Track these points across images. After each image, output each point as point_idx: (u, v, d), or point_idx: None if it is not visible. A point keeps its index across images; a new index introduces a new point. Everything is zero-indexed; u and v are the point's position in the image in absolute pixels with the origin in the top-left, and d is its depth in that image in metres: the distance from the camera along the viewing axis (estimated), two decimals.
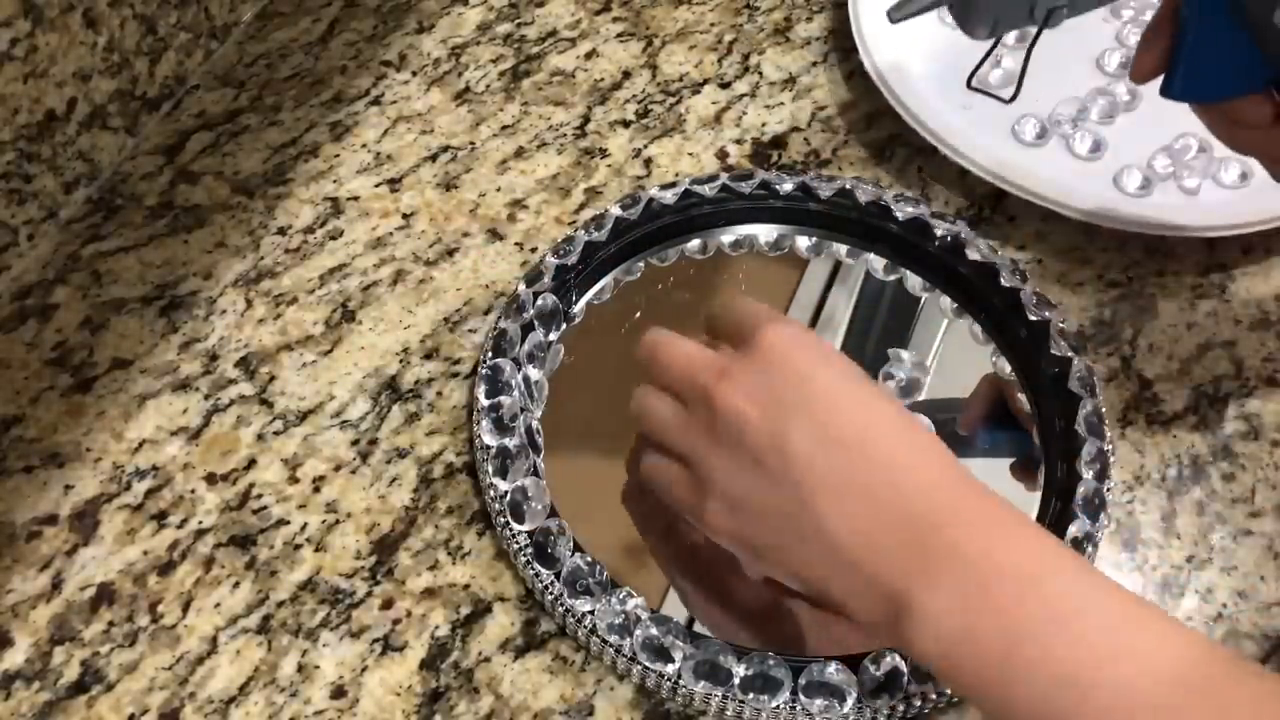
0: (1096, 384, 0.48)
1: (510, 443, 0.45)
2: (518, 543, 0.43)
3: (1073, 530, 0.43)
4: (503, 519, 0.44)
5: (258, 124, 0.61)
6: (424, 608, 0.44)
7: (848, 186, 0.54)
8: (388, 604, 0.44)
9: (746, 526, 0.39)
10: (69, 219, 0.56)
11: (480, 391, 0.47)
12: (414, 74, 0.64)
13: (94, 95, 0.56)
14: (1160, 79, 0.43)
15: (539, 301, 0.50)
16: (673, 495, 0.42)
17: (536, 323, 0.49)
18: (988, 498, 0.37)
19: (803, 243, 0.55)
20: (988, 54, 0.44)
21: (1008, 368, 0.50)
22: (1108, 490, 0.45)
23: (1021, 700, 0.33)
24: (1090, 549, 0.43)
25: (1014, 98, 0.45)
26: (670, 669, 0.41)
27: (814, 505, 0.37)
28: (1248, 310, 0.53)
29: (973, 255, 0.52)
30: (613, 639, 0.41)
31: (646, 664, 0.41)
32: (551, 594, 0.42)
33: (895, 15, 0.44)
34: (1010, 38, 0.61)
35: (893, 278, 0.54)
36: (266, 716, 0.42)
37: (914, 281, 0.53)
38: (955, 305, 0.52)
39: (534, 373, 0.48)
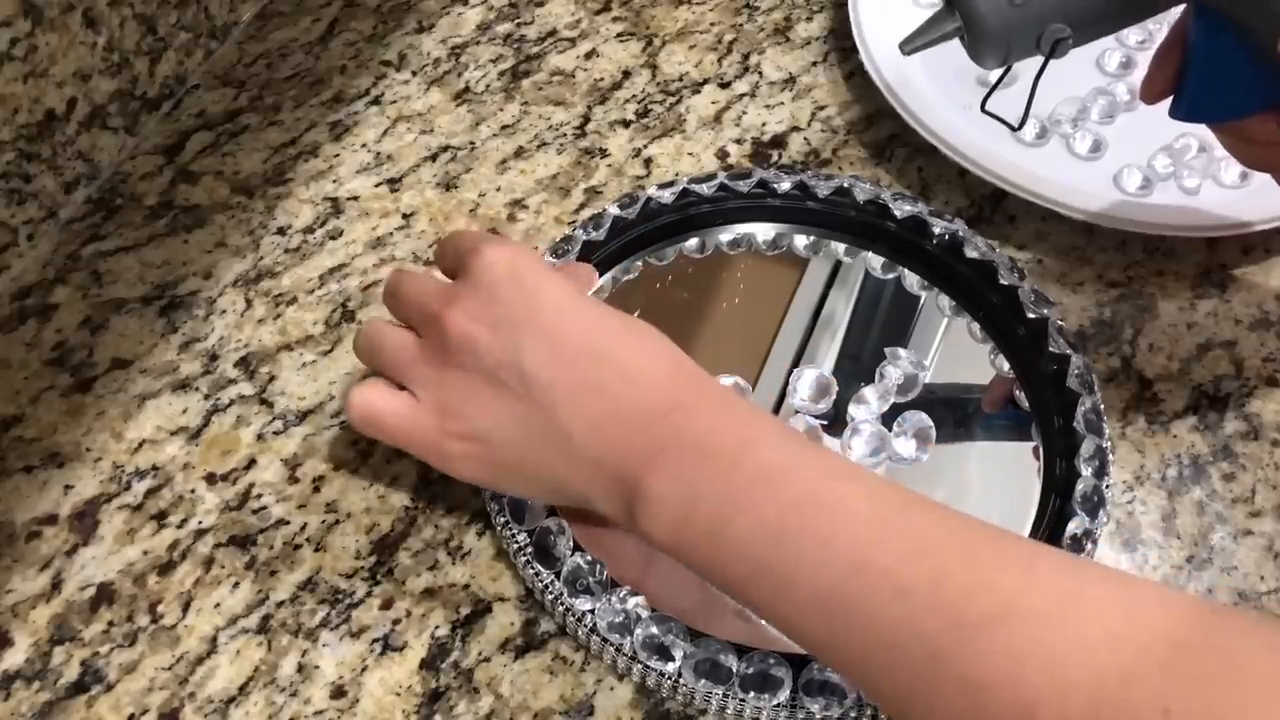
0: (1095, 381, 0.48)
1: None
2: (518, 542, 0.43)
3: (1072, 527, 0.43)
4: (502, 518, 0.44)
5: (258, 124, 0.61)
6: (424, 608, 0.44)
7: (846, 185, 0.54)
8: (388, 604, 0.44)
9: (492, 454, 0.40)
10: (69, 219, 0.56)
11: None
12: (414, 74, 0.64)
13: (94, 95, 0.56)
14: (1169, 100, 0.44)
15: None
16: (404, 434, 0.42)
17: None
18: (713, 387, 0.39)
19: (801, 241, 0.55)
20: (1000, 78, 0.45)
21: (1006, 365, 0.50)
22: (1106, 487, 0.45)
23: (743, 562, 0.35)
24: (1090, 546, 0.43)
25: (1021, 124, 0.46)
26: (671, 668, 0.41)
27: (554, 411, 0.38)
28: (1248, 310, 0.53)
29: (971, 253, 0.52)
30: (613, 638, 0.41)
31: (647, 663, 0.41)
32: (551, 593, 0.42)
33: (906, 48, 0.45)
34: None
35: (891, 276, 0.54)
36: (266, 716, 0.42)
37: (912, 280, 0.53)
38: (954, 303, 0.52)
39: None
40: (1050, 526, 0.44)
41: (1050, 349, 0.48)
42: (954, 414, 0.50)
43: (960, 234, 0.52)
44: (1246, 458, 0.49)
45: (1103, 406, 0.47)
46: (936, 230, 0.52)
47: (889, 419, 0.48)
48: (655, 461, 0.37)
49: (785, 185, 0.54)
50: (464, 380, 0.40)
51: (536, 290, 0.40)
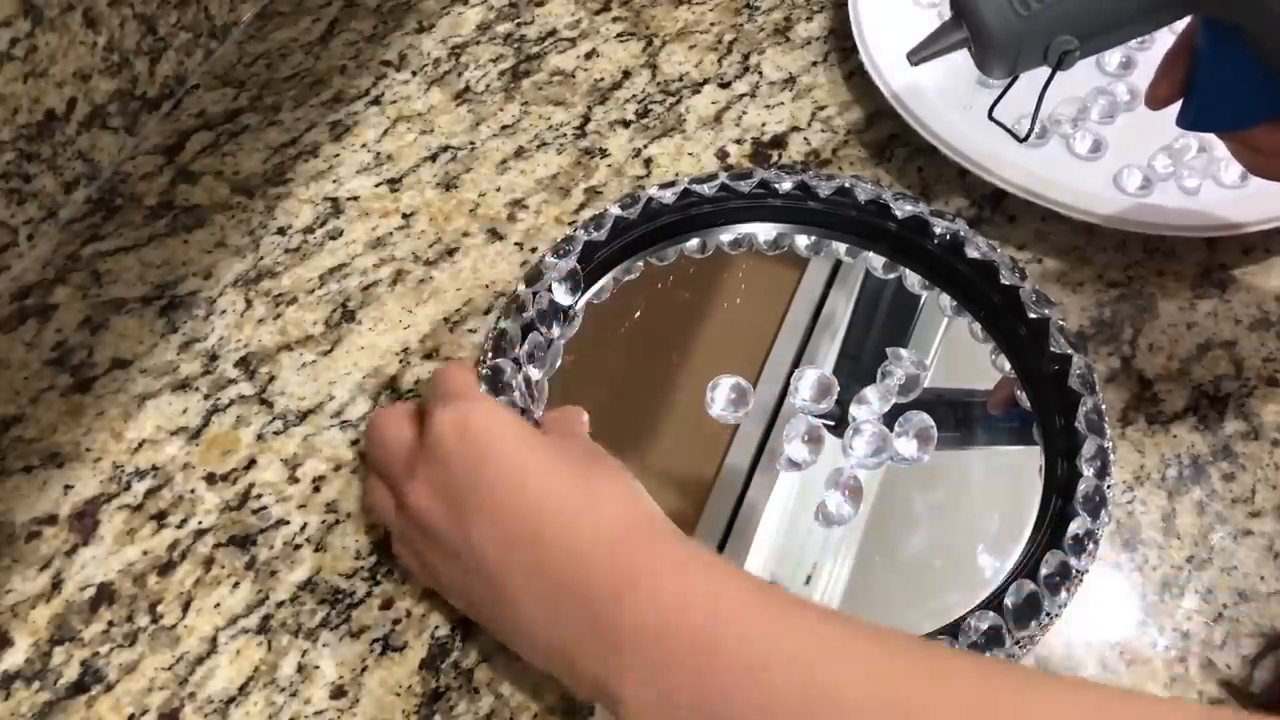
0: (1096, 381, 0.48)
1: None
2: None
3: (1074, 528, 0.43)
4: None
5: (258, 124, 0.61)
6: (424, 608, 0.44)
7: (847, 185, 0.54)
8: (388, 604, 0.44)
9: (471, 610, 0.41)
10: (69, 219, 0.56)
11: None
12: (414, 74, 0.64)
13: (94, 95, 0.56)
14: (1175, 109, 0.44)
15: (539, 301, 0.49)
16: (426, 580, 0.42)
17: (537, 322, 0.49)
18: (665, 543, 0.36)
19: (802, 241, 0.55)
20: (1007, 87, 0.45)
21: (1007, 365, 0.50)
22: (1108, 487, 0.45)
23: None
24: (1091, 546, 0.43)
25: (1027, 136, 0.46)
26: None
27: (513, 601, 0.37)
28: (1248, 310, 0.53)
29: (971, 253, 0.52)
30: None
31: None
32: None
33: (914, 58, 0.44)
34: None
35: (892, 276, 0.54)
36: (266, 716, 0.42)
37: (913, 280, 0.53)
38: (954, 303, 0.52)
39: (534, 373, 0.48)
40: (1052, 526, 0.44)
41: (1051, 349, 0.48)
42: (955, 415, 0.50)
43: (961, 234, 0.52)
44: (1246, 458, 0.49)
45: (1104, 407, 0.47)
46: (937, 230, 0.52)
47: (890, 419, 0.48)
48: (624, 662, 0.34)
49: (786, 185, 0.54)
50: (434, 551, 0.40)
51: (484, 460, 0.38)
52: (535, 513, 0.37)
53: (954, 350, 0.52)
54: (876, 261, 0.54)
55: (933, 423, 0.48)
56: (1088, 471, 0.45)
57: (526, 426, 0.40)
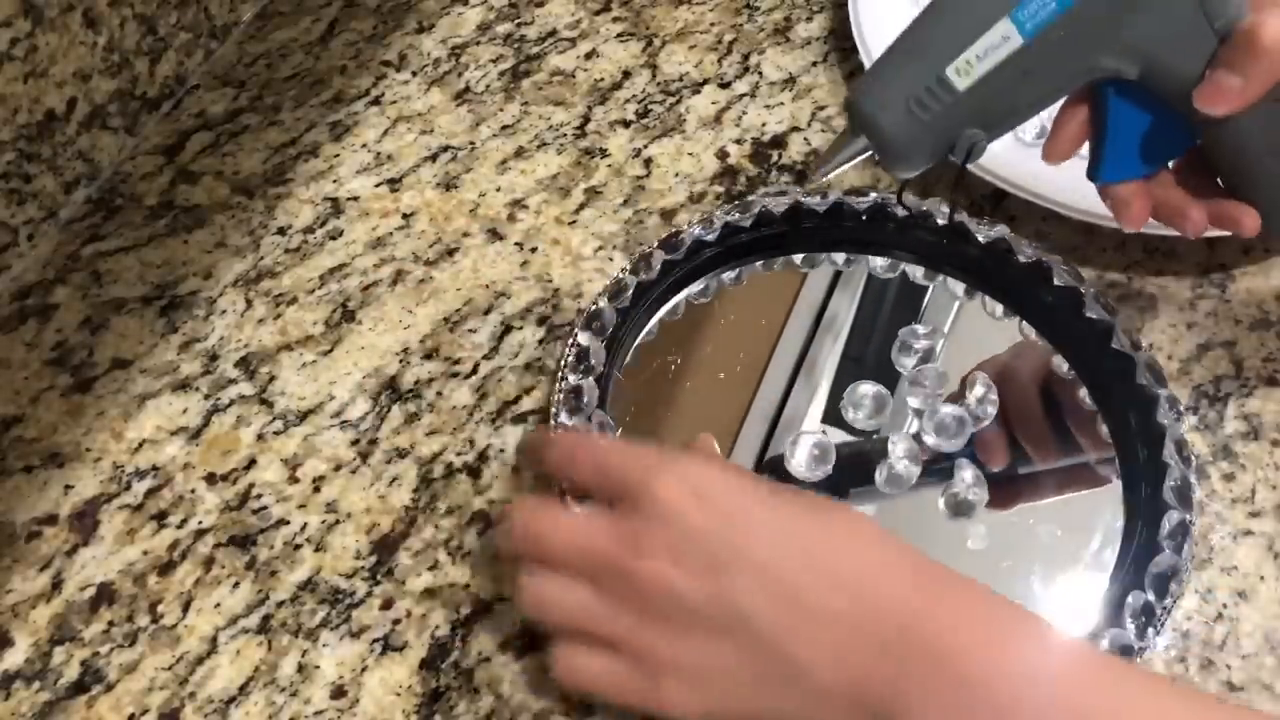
0: (1182, 414, 0.47)
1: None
2: None
3: (1160, 562, 0.43)
4: None
5: (258, 124, 0.61)
6: (424, 608, 0.44)
7: (925, 209, 0.52)
8: (388, 604, 0.44)
9: (713, 695, 0.36)
10: (69, 219, 0.56)
11: (561, 414, 0.46)
12: (414, 74, 0.64)
13: (94, 95, 0.56)
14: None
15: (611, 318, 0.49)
16: (617, 691, 0.38)
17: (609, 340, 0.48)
18: (962, 590, 0.35)
19: (878, 264, 0.54)
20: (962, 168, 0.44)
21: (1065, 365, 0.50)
22: (1193, 476, 0.44)
23: None
24: (1175, 587, 0.42)
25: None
26: None
27: (785, 650, 0.35)
28: (1248, 310, 0.53)
29: (1058, 281, 0.51)
30: None
31: None
32: None
33: (818, 175, 0.43)
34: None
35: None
36: (266, 716, 0.42)
37: (996, 307, 0.53)
38: (1005, 308, 0.52)
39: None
40: (1136, 562, 0.44)
41: (1139, 381, 0.47)
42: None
43: (1045, 262, 0.51)
44: (1246, 458, 0.48)
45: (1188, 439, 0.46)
46: (1021, 259, 0.51)
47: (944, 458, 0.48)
48: (916, 694, 0.33)
49: (864, 205, 0.53)
50: (670, 629, 0.36)
51: (732, 518, 0.36)
52: (806, 549, 0.36)
53: (960, 342, 0.52)
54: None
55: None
56: (1172, 463, 0.44)
57: (748, 476, 0.38)
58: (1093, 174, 0.42)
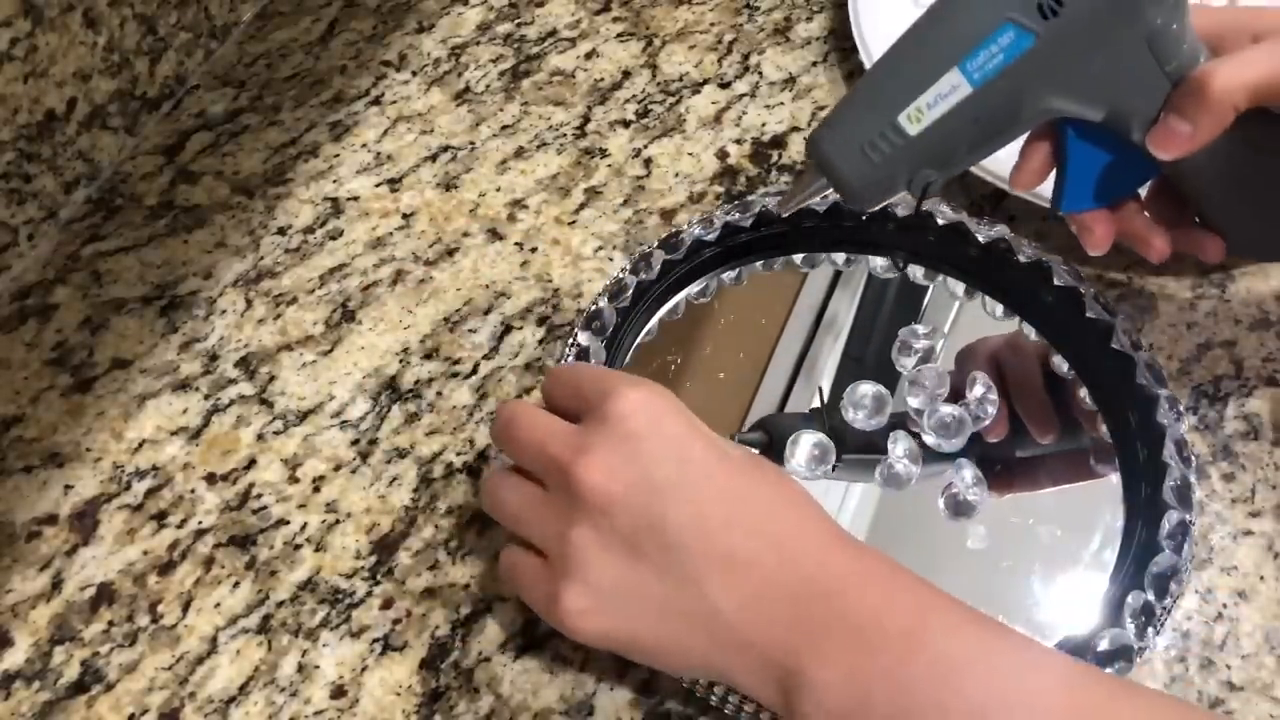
0: (1181, 412, 0.47)
1: None
2: None
3: (1160, 562, 0.43)
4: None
5: (258, 124, 0.61)
6: (424, 608, 0.44)
7: (927, 209, 0.52)
8: (388, 604, 0.44)
9: (620, 620, 0.37)
10: (69, 219, 0.56)
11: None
12: (414, 74, 0.64)
13: (94, 95, 0.56)
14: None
15: (618, 319, 0.49)
16: (529, 591, 0.39)
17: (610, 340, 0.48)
18: (874, 560, 0.36)
19: (878, 264, 0.54)
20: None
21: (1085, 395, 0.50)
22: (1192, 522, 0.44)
23: None
24: (1175, 586, 0.42)
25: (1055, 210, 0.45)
26: None
27: (700, 584, 0.35)
28: (1248, 310, 0.53)
29: (1058, 281, 0.51)
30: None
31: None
32: None
33: (784, 210, 0.45)
34: None
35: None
36: (266, 716, 0.42)
37: (996, 308, 0.53)
38: (1003, 308, 0.52)
39: None
40: (1136, 561, 0.44)
41: (1139, 381, 0.48)
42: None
43: (1045, 262, 0.51)
44: (1246, 458, 0.49)
45: (1188, 438, 0.46)
46: (1021, 258, 0.51)
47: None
48: (819, 648, 0.34)
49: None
50: (594, 539, 0.36)
51: (681, 445, 0.37)
52: (741, 502, 0.36)
53: (960, 342, 0.52)
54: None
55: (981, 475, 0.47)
56: (1172, 464, 0.44)
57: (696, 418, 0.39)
58: (1055, 204, 0.43)
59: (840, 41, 0.65)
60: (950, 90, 0.38)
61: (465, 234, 0.56)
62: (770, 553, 0.36)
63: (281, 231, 0.56)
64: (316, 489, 0.47)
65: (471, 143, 0.60)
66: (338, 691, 0.42)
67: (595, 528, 0.37)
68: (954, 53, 0.37)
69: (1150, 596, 0.42)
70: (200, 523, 0.46)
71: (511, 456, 0.40)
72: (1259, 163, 0.41)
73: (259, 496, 0.47)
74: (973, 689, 0.32)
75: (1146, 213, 0.45)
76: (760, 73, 0.64)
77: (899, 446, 0.47)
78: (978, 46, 0.37)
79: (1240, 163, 0.40)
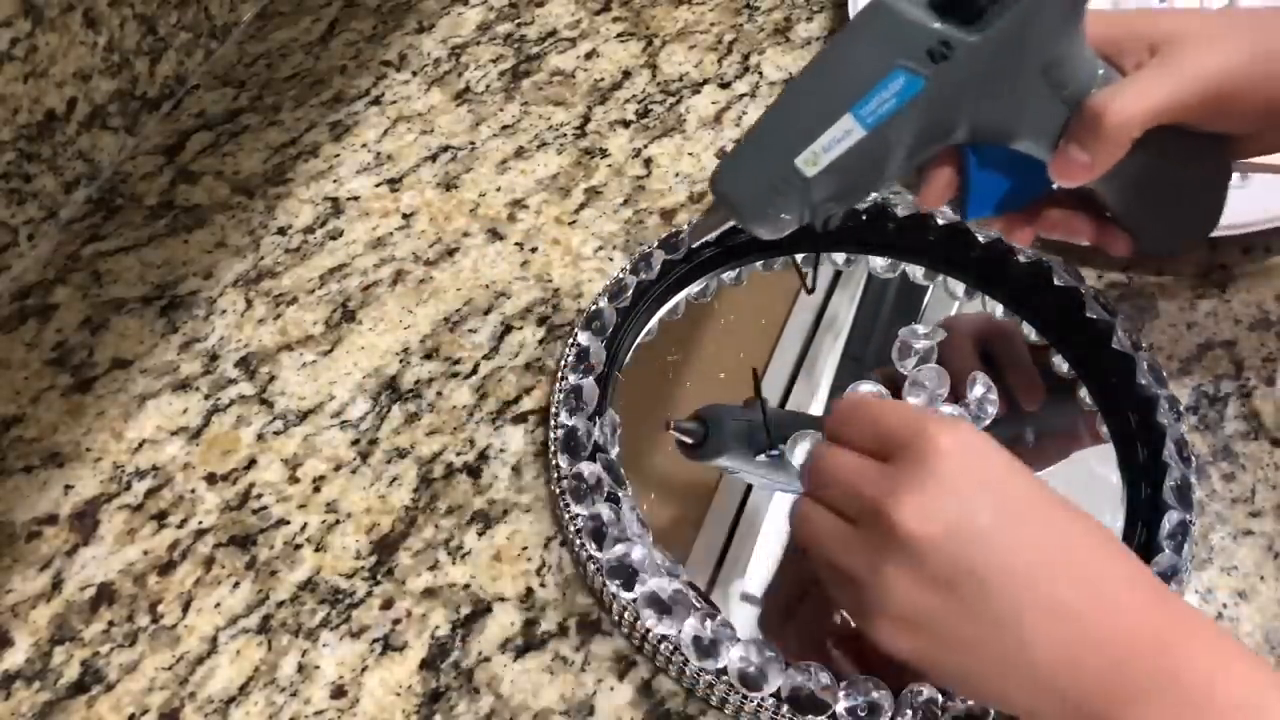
0: (1182, 413, 0.47)
1: (586, 469, 0.44)
2: (596, 562, 0.43)
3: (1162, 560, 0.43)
4: (579, 540, 0.43)
5: (258, 124, 0.61)
6: (424, 608, 0.44)
7: (924, 210, 0.53)
8: (388, 604, 0.44)
9: (930, 648, 0.36)
10: (69, 219, 0.56)
11: (562, 418, 0.47)
12: (414, 74, 0.64)
13: (94, 95, 0.56)
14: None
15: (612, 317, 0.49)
16: (845, 606, 0.39)
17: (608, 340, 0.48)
18: (1199, 619, 0.35)
19: (878, 264, 0.54)
20: None
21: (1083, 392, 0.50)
22: (1193, 475, 0.45)
23: None
24: (1175, 587, 0.43)
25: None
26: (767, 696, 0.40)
27: (1016, 629, 0.34)
28: (1248, 310, 0.53)
29: (1058, 281, 0.51)
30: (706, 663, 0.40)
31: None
32: (631, 615, 0.42)
33: (693, 241, 0.45)
34: None
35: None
36: (266, 716, 0.42)
37: (997, 308, 0.53)
38: (1008, 311, 0.52)
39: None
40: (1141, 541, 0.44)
41: (1140, 381, 0.48)
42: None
43: (1045, 262, 0.51)
44: (1246, 458, 0.49)
45: (1188, 438, 0.47)
46: (1021, 260, 0.51)
47: None
48: (1142, 707, 0.33)
49: (865, 205, 0.53)
50: (908, 581, 0.36)
51: (1001, 487, 0.36)
52: (1062, 539, 0.36)
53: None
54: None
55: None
56: (1172, 465, 0.44)
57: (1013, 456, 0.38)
58: (959, 213, 0.43)
59: None
60: (844, 135, 0.38)
61: (465, 234, 0.56)
62: (1093, 603, 0.34)
63: (281, 231, 0.56)
64: (316, 489, 0.47)
65: (471, 143, 0.60)
66: (338, 691, 0.42)
67: (909, 568, 0.36)
68: (846, 99, 0.37)
69: None
70: (200, 523, 0.46)
71: (815, 489, 0.40)
72: (1161, 169, 0.41)
73: (259, 496, 0.47)
74: None
75: (1060, 208, 0.45)
76: (760, 73, 0.64)
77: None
78: (869, 93, 0.37)
79: (1143, 170, 0.40)
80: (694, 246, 0.47)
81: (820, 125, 0.38)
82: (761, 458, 0.47)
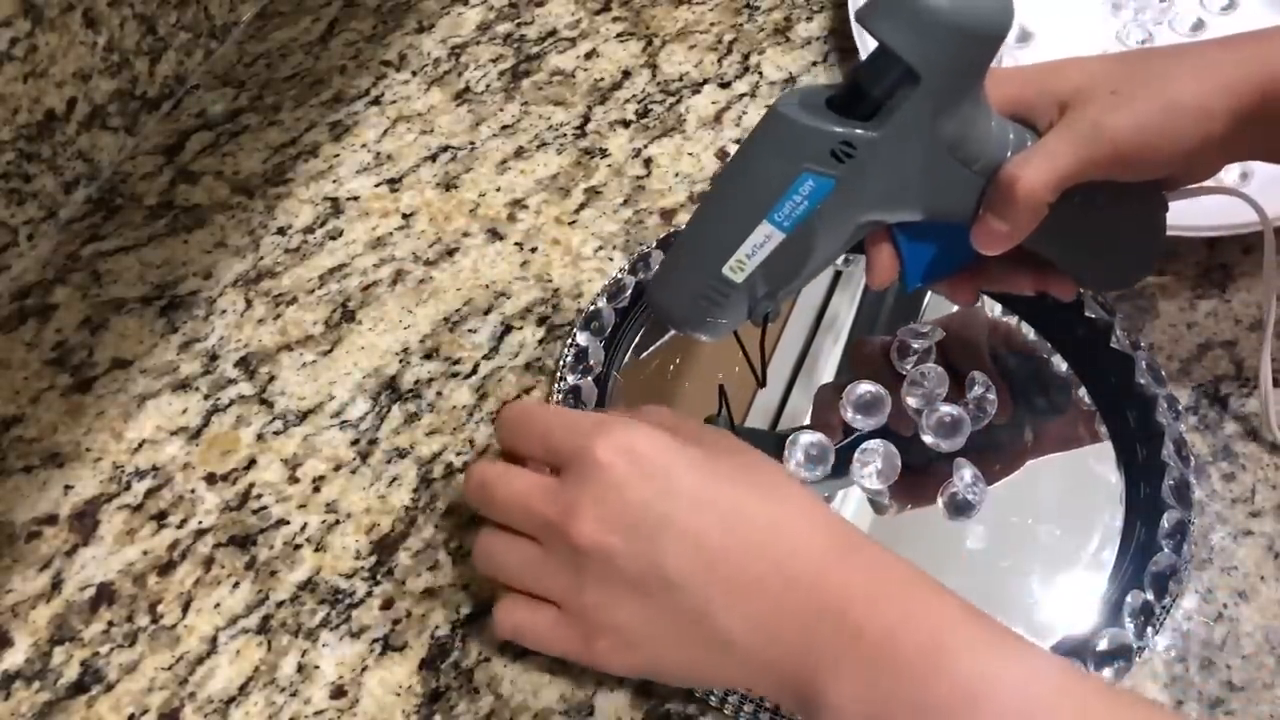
0: (1181, 413, 0.47)
1: None
2: None
3: (1160, 561, 0.43)
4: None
5: (258, 124, 0.61)
6: (424, 608, 0.44)
7: None
8: (388, 604, 0.44)
9: (645, 655, 0.38)
10: (69, 219, 0.56)
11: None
12: (414, 74, 0.64)
13: (94, 95, 0.56)
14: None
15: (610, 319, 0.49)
16: (555, 646, 0.40)
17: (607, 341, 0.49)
18: (884, 564, 0.36)
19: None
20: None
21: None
22: (1190, 473, 0.44)
23: None
24: (1174, 585, 0.42)
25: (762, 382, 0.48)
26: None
27: (710, 616, 0.36)
28: (1248, 310, 0.53)
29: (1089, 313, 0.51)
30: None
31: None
32: None
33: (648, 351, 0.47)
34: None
35: None
36: (266, 716, 0.42)
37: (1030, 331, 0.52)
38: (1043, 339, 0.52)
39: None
40: (1135, 560, 0.44)
41: (1138, 381, 0.48)
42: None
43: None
44: (1246, 458, 0.49)
45: (1187, 437, 0.47)
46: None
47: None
48: (835, 668, 0.34)
49: None
50: (604, 590, 0.37)
51: (666, 481, 0.37)
52: (734, 525, 0.36)
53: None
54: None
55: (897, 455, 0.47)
56: (1171, 464, 0.44)
57: (682, 442, 0.39)
58: (903, 287, 0.43)
59: (840, 41, 0.65)
60: (765, 239, 0.38)
61: (465, 234, 0.56)
62: (772, 573, 0.35)
63: (281, 231, 0.56)
64: (316, 489, 0.47)
65: (471, 143, 0.60)
66: (338, 692, 0.42)
67: (604, 580, 0.37)
68: (760, 208, 0.38)
69: (1149, 596, 0.42)
70: (200, 523, 0.46)
71: (495, 519, 0.41)
72: (1090, 217, 0.41)
73: (259, 496, 0.47)
74: (993, 710, 0.32)
75: (999, 264, 0.44)
76: (760, 73, 0.64)
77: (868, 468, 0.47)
78: (780, 199, 0.37)
79: (1072, 221, 0.40)
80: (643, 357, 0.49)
81: (739, 235, 0.39)
82: (824, 468, 0.47)
